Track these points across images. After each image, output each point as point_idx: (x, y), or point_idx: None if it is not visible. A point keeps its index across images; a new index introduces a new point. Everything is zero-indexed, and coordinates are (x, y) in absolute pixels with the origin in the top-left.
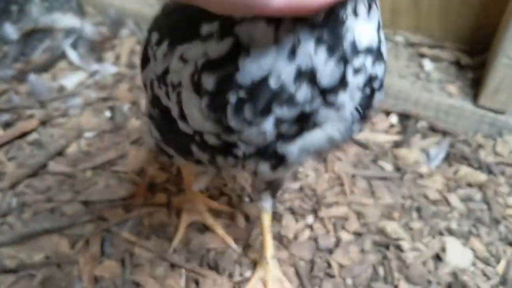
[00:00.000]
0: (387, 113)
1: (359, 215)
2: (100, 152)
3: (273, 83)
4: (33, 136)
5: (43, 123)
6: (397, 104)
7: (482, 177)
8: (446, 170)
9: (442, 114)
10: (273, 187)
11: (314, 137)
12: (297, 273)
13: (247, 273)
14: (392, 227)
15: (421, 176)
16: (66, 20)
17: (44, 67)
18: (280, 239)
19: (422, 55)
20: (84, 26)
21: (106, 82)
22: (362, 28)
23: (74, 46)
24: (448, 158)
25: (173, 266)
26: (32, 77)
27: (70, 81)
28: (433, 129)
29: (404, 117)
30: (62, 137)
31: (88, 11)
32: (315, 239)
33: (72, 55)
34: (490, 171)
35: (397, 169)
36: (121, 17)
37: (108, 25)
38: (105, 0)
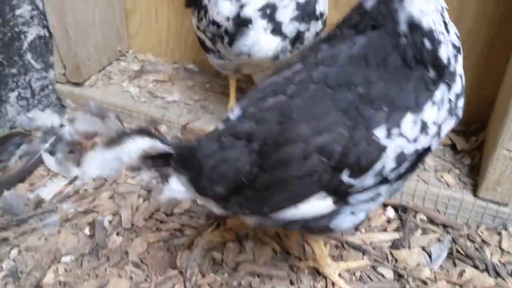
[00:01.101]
0: (383, 206)
1: None
2: (79, 281)
3: None
4: (8, 264)
5: (19, 247)
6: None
7: (489, 281)
8: (451, 270)
9: (441, 206)
10: None
11: None
12: None
13: None
14: None
15: (424, 283)
16: (44, 118)
17: (21, 176)
18: None
19: None
20: (63, 124)
21: (86, 190)
22: None
23: (52, 149)
24: (452, 256)
25: None
26: (7, 193)
27: (48, 191)
28: (432, 222)
29: (401, 210)
30: (38, 264)
31: (68, 105)
32: None
33: (50, 161)
34: (497, 273)
35: (399, 275)
36: (102, 110)
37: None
38: (86, 93)
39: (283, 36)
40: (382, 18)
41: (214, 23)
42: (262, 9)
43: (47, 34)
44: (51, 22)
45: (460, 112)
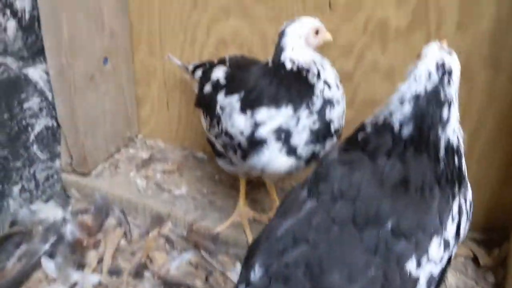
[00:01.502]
0: None
1: None
2: None
3: None
4: None
5: None
6: None
7: None
8: None
9: None
10: None
11: None
12: None
13: None
14: None
15: None
16: (47, 210)
17: (18, 280)
18: None
19: None
20: (66, 218)
21: None
22: None
23: (53, 250)
24: None
25: None
26: None
27: None
28: None
29: None
30: None
31: (73, 195)
32: None
33: (49, 266)
34: None
35: None
36: (107, 203)
37: (93, 212)
38: (91, 184)
39: (298, 157)
40: (425, 146)
41: (227, 134)
42: (277, 132)
43: (55, 124)
44: (59, 114)
45: (471, 215)
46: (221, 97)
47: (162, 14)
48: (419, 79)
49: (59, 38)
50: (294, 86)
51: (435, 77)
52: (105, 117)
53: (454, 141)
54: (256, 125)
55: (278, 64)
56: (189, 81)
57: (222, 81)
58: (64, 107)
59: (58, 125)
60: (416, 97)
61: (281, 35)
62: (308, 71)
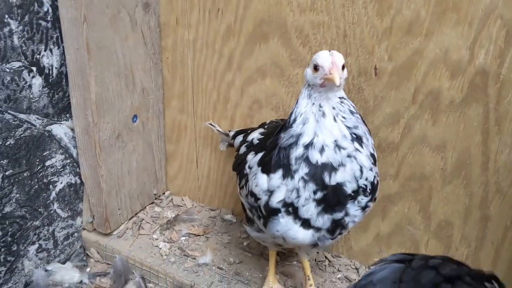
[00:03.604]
0: None
1: None
2: None
3: None
4: None
5: None
6: None
7: None
8: None
9: None
10: None
11: None
12: None
13: None
14: None
15: None
16: (64, 272)
17: None
18: None
19: None
20: (83, 282)
21: None
22: None
23: None
24: None
25: None
26: None
27: None
28: None
29: None
30: None
31: (92, 254)
32: None
33: None
34: None
35: None
36: (127, 267)
37: (112, 276)
38: (112, 245)
39: (317, 229)
40: None
41: (253, 194)
42: (284, 204)
43: (78, 181)
44: (83, 172)
45: None
46: (250, 156)
47: (195, 72)
48: None
49: (86, 95)
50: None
51: None
52: (131, 175)
53: None
54: (270, 193)
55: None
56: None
57: (255, 141)
58: (88, 166)
59: (82, 182)
60: None
61: None
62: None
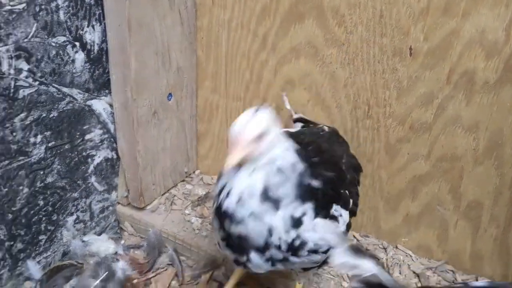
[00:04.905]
0: None
1: None
2: None
3: None
4: None
5: None
6: None
7: None
8: None
9: None
10: None
11: None
12: None
13: None
14: None
15: None
16: (99, 243)
17: None
18: None
19: None
20: (118, 253)
21: None
22: None
23: (104, 286)
24: None
25: None
26: None
27: None
28: None
29: None
30: None
31: (126, 228)
32: None
33: None
34: None
35: None
36: (160, 241)
37: (145, 249)
38: (146, 219)
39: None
40: None
41: None
42: None
43: (115, 156)
44: (120, 147)
45: None
46: None
47: (229, 52)
48: None
49: (126, 72)
50: None
51: None
52: (165, 152)
53: None
54: None
55: None
56: None
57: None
58: (125, 141)
59: (118, 157)
60: None
61: None
62: None
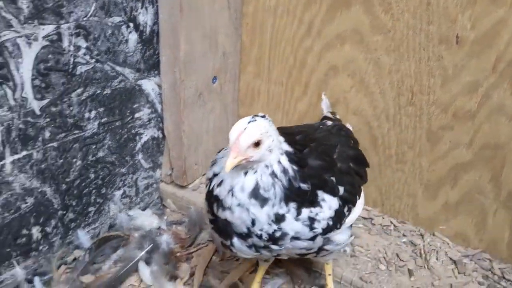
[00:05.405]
0: None
1: None
2: None
3: None
4: None
5: None
6: None
7: None
8: None
9: None
10: None
11: None
12: None
13: None
14: None
15: None
16: (144, 218)
17: (112, 284)
18: None
19: None
20: (162, 228)
21: None
22: None
23: (148, 258)
24: None
25: None
26: None
27: None
28: None
29: None
30: None
31: (168, 205)
32: None
33: (145, 272)
34: None
35: None
36: (201, 218)
37: (187, 225)
38: (188, 197)
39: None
40: None
41: None
42: None
43: (161, 136)
44: (166, 126)
45: None
46: None
47: (273, 37)
48: None
49: (175, 54)
50: None
51: None
52: (208, 133)
53: None
54: None
55: None
56: None
57: None
58: (171, 120)
59: (164, 136)
60: None
61: None
62: None
